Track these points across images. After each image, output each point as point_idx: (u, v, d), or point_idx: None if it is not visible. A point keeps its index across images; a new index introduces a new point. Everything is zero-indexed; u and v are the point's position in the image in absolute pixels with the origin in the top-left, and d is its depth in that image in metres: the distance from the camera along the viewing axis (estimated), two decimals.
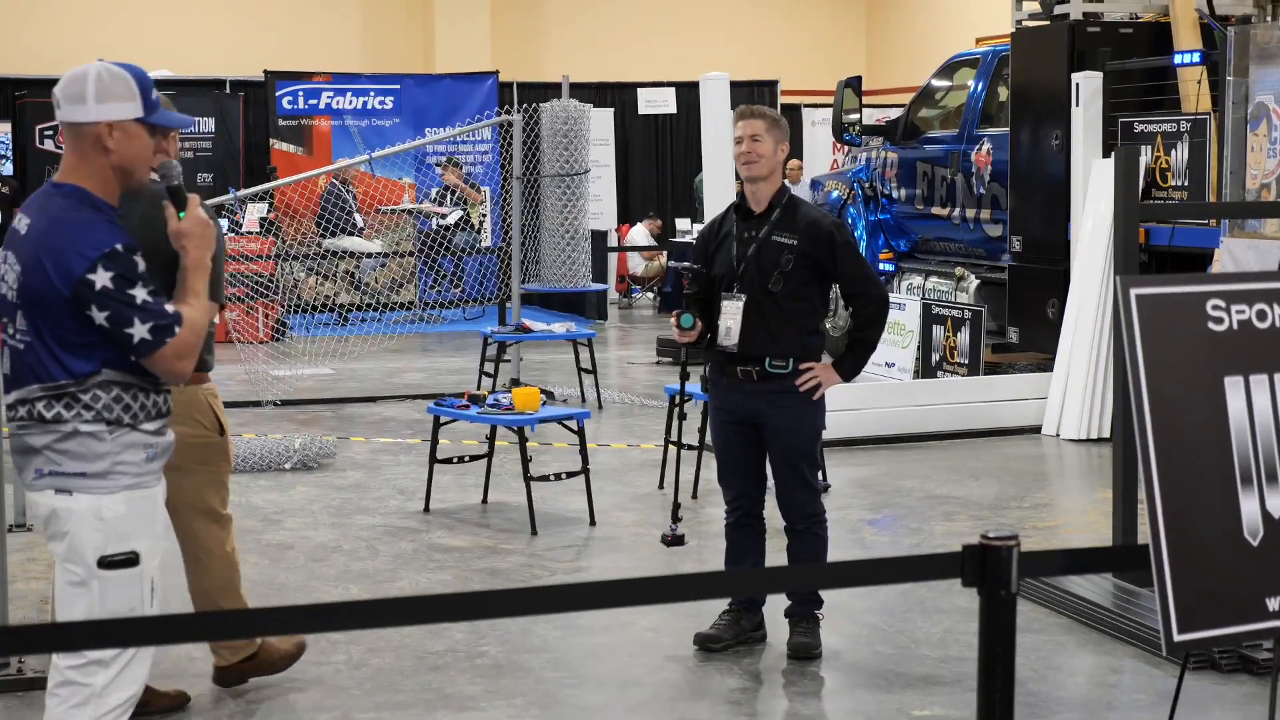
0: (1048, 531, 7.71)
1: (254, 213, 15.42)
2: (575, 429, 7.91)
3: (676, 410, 7.68)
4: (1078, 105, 10.77)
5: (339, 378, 12.80)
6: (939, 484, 8.79)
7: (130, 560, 3.67)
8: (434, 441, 8.15)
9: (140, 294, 3.59)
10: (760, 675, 5.62)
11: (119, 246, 3.59)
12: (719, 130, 11.70)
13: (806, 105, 21.12)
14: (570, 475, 7.95)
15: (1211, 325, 3.21)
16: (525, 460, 7.66)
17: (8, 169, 17.89)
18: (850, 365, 5.71)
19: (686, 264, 5.91)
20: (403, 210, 17.43)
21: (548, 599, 3.42)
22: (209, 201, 6.83)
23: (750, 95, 18.59)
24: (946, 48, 16.45)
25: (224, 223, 13.53)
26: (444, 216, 16.83)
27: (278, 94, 18.03)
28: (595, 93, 19.15)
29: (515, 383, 10.83)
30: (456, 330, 16.13)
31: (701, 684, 5.51)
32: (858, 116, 13.28)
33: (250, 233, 15.31)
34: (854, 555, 7.09)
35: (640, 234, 19.19)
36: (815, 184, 15.05)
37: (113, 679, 3.69)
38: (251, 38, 20.37)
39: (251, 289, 13.81)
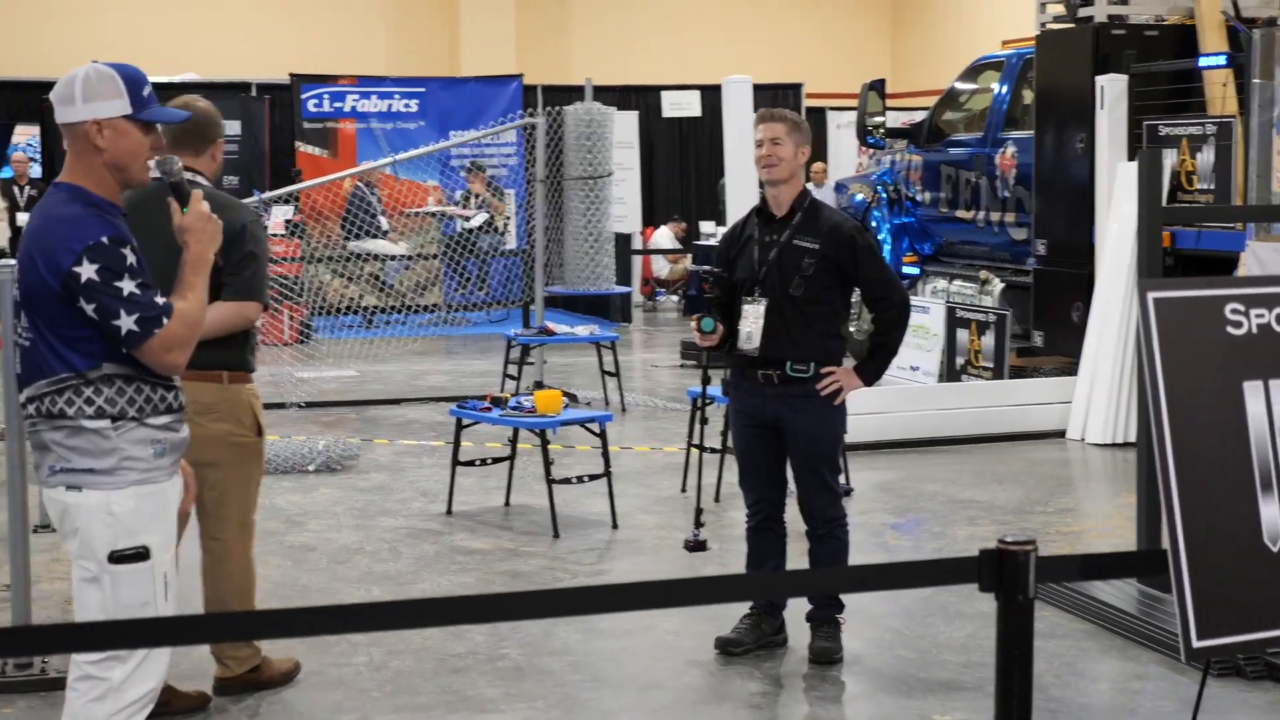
0: (1072, 537, 7.69)
1: (279, 215, 15.46)
2: (598, 432, 7.91)
3: (698, 414, 7.68)
4: (1102, 108, 10.73)
5: (363, 380, 12.83)
6: (963, 488, 8.76)
7: (140, 555, 3.69)
8: (456, 444, 8.16)
9: (127, 286, 3.60)
10: (781, 680, 5.62)
11: (104, 239, 3.60)
12: (741, 134, 11.70)
13: (831, 109, 21.11)
14: (593, 478, 7.95)
15: (1230, 329, 3.19)
16: (547, 463, 7.67)
17: (36, 171, 17.96)
18: (872, 370, 5.70)
19: (708, 268, 5.91)
20: (428, 213, 17.46)
21: (569, 601, 3.42)
22: (245, 201, 6.84)
23: (775, 98, 18.56)
24: (971, 51, 16.42)
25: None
26: (468, 219, 16.86)
27: (303, 97, 18.08)
28: (619, 95, 19.14)
29: (538, 385, 10.84)
30: (481, 333, 16.14)
31: (722, 688, 5.51)
32: (882, 119, 13.26)
33: (276, 235, 15.35)
34: (877, 559, 7.07)
35: (665, 237, 19.18)
36: (840, 187, 15.03)
37: (130, 674, 3.71)
38: (277, 41, 20.47)
39: (277, 291, 13.84)
